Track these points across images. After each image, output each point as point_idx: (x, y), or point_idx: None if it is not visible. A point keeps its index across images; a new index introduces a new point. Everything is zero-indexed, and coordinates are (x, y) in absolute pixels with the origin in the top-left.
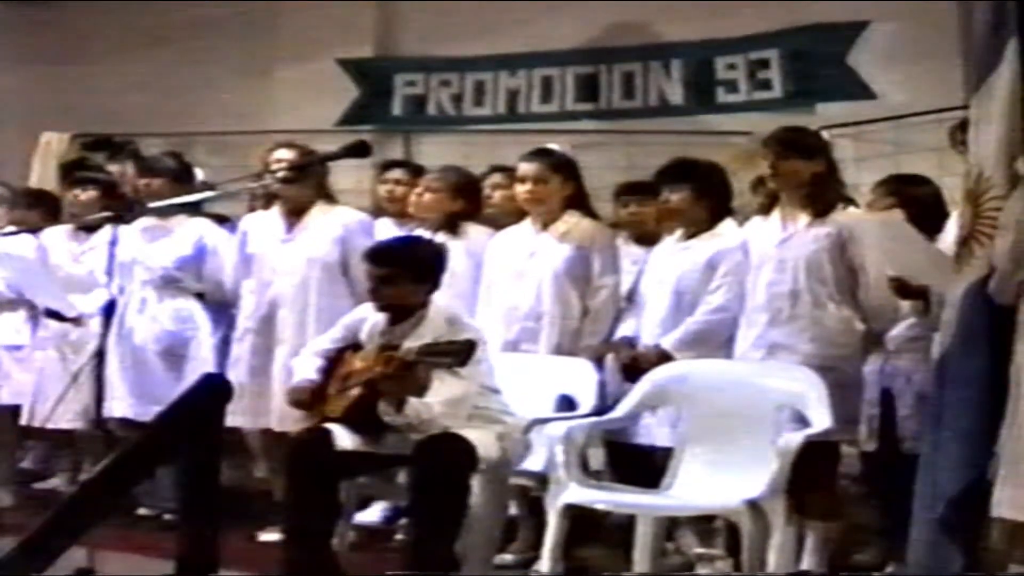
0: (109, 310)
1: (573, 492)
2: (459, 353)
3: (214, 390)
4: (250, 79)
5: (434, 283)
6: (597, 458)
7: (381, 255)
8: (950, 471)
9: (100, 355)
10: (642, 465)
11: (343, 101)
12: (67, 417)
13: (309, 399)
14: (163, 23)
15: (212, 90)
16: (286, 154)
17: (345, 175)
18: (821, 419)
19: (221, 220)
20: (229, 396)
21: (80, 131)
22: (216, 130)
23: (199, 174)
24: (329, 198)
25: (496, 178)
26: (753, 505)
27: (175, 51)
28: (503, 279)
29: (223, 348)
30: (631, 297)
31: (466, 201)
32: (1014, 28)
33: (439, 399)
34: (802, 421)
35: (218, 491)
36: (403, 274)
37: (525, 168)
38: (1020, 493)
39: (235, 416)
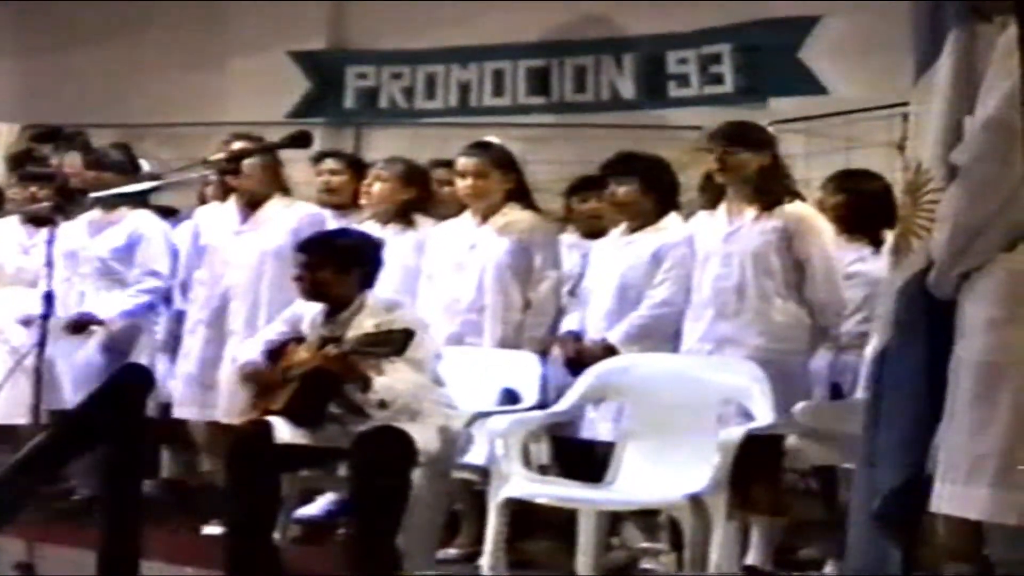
0: (48, 302)
1: (514, 486)
2: (395, 343)
3: (136, 380)
4: (202, 71)
5: (363, 274)
6: (543, 453)
7: (304, 243)
8: (887, 467)
9: (41, 346)
10: (589, 460)
11: (294, 93)
12: (9, 412)
13: (257, 374)
14: (114, 14)
15: (163, 82)
16: (239, 145)
17: (298, 169)
18: (764, 413)
19: (170, 212)
20: (151, 386)
21: (29, 122)
22: (167, 122)
23: (145, 166)
24: (286, 191)
25: (439, 173)
26: (695, 500)
27: (125, 43)
28: (443, 272)
29: (172, 341)
30: (574, 291)
31: (417, 190)
32: (954, 21)
33: (400, 380)
34: (748, 416)
35: (140, 481)
36: (324, 262)
37: (464, 163)
38: (959, 489)
39: (183, 408)
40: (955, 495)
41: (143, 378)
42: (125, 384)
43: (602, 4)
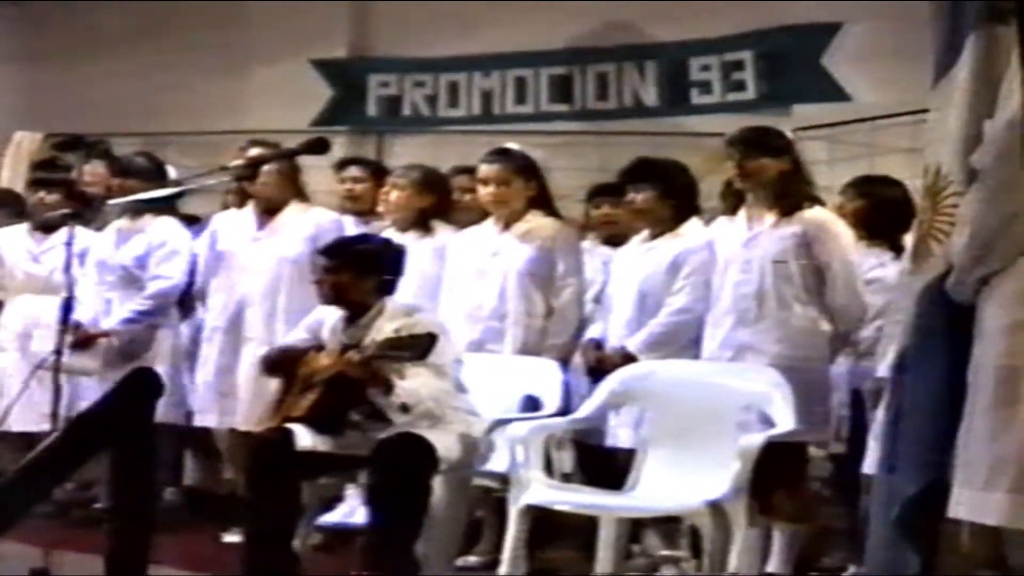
0: (67, 309)
1: (534, 492)
2: (418, 347)
3: (145, 385)
4: (224, 79)
5: (383, 280)
6: (567, 460)
7: (325, 248)
8: (907, 472)
9: (58, 354)
10: (612, 467)
11: (317, 101)
12: (30, 419)
13: (277, 360)
14: (136, 23)
15: (186, 90)
16: (259, 151)
17: (323, 177)
18: (785, 420)
19: (193, 220)
20: (160, 391)
21: (52, 131)
22: (190, 130)
23: (172, 172)
24: (303, 197)
25: (461, 180)
26: (715, 506)
27: (148, 51)
28: (466, 279)
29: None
30: (599, 299)
31: (435, 197)
32: (972, 24)
33: (422, 385)
34: (769, 422)
35: (150, 486)
36: (344, 267)
37: (486, 170)
38: (977, 494)
39: (203, 416)
40: (974, 500)
41: (152, 382)
42: (134, 388)
43: (624, 11)
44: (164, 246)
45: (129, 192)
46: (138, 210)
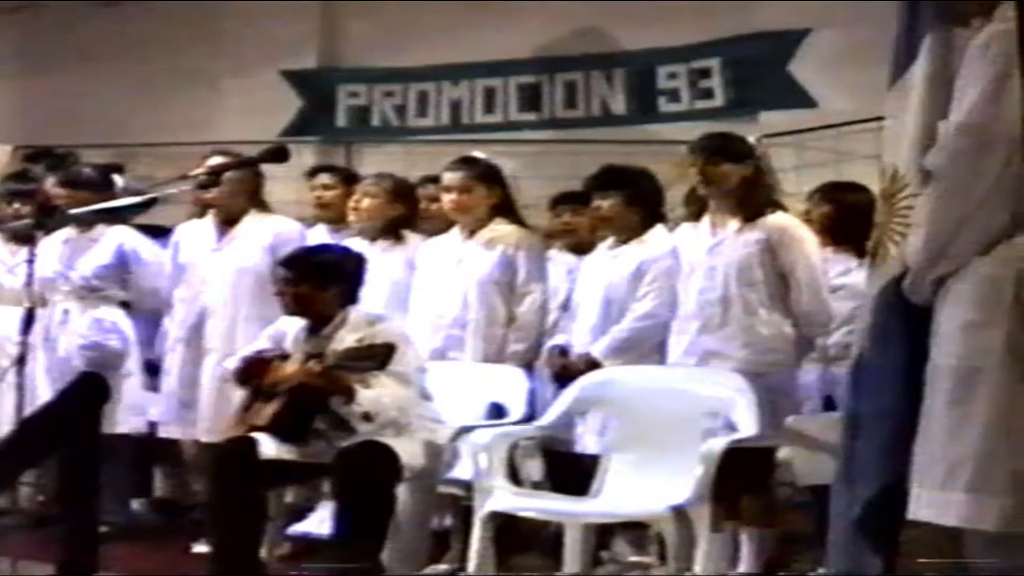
0: (28, 319)
1: (498, 499)
2: (377, 357)
3: (91, 390)
4: (195, 90)
5: (344, 289)
6: (536, 469)
7: (285, 259)
8: (866, 474)
9: (21, 362)
10: (579, 474)
11: (287, 112)
12: None
13: (247, 368)
14: (107, 34)
15: (157, 102)
16: (218, 160)
17: (287, 187)
18: (748, 425)
19: (160, 231)
20: (107, 396)
21: (23, 143)
22: (160, 141)
23: (119, 182)
24: (263, 207)
25: (428, 189)
26: (678, 511)
27: (119, 63)
28: (430, 287)
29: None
30: (566, 306)
31: (404, 206)
32: (930, 25)
33: (386, 394)
34: (735, 428)
35: (96, 491)
36: (305, 278)
37: (449, 178)
38: (935, 494)
39: (168, 427)
40: (932, 500)
41: (99, 387)
42: (81, 393)
43: (592, 20)
44: (138, 259)
45: (79, 203)
46: (90, 221)
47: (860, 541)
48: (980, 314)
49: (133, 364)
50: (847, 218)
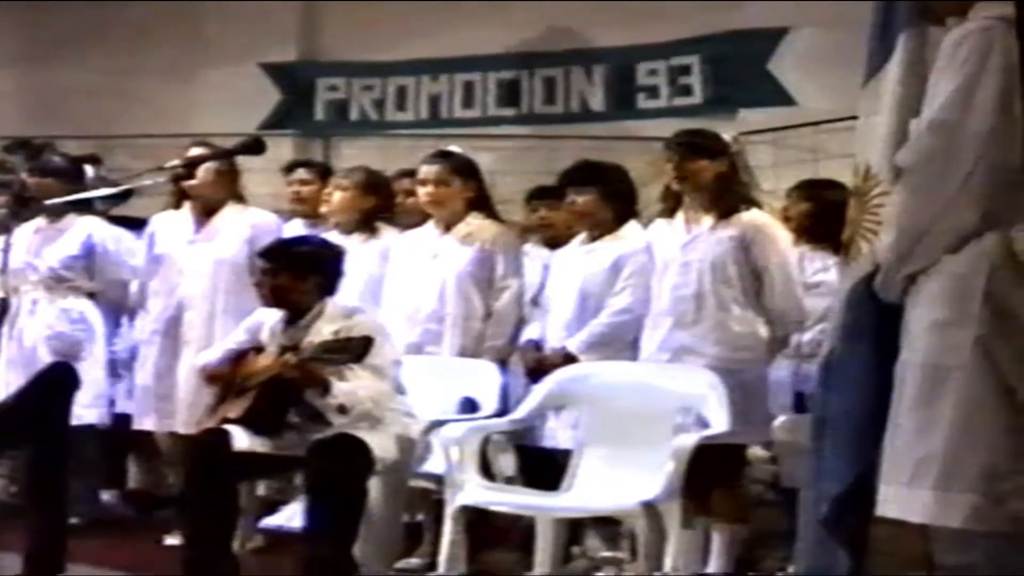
0: (2, 310)
1: (469, 493)
2: (354, 349)
3: (60, 380)
4: (174, 82)
5: (322, 281)
6: (509, 464)
7: (264, 250)
8: (834, 472)
9: None
10: (553, 470)
11: (266, 105)
12: None
13: (217, 374)
14: (86, 25)
15: (136, 93)
16: (197, 152)
17: (264, 180)
18: (719, 421)
19: (136, 222)
20: (76, 386)
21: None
22: (138, 133)
23: (89, 171)
24: (240, 199)
25: (404, 183)
26: (649, 507)
27: (98, 54)
28: (406, 281)
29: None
30: (537, 300)
31: (377, 198)
32: (904, 23)
33: (361, 386)
34: (707, 424)
35: (65, 482)
36: (283, 269)
37: (426, 171)
38: (903, 491)
39: (143, 419)
40: (899, 497)
41: (68, 377)
42: (49, 383)
43: (572, 16)
44: (105, 250)
45: (48, 192)
46: (58, 210)
47: (828, 539)
48: (949, 312)
49: (99, 354)
50: (825, 215)
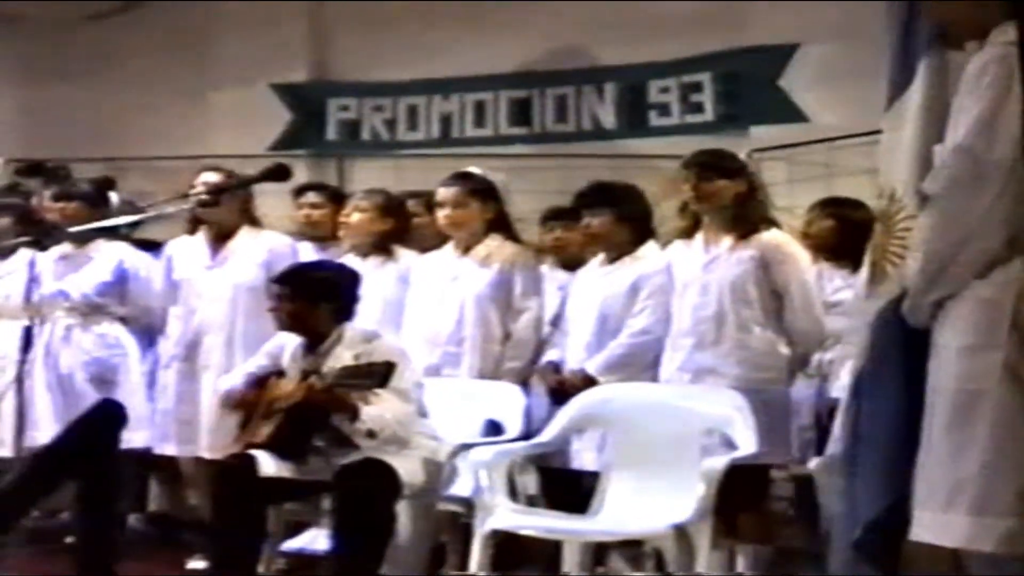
0: (27, 337)
1: (499, 517)
2: (377, 375)
3: (109, 416)
4: (184, 104)
5: (339, 306)
6: (531, 484)
7: (279, 275)
8: (867, 495)
9: (19, 382)
10: (576, 491)
11: (277, 126)
12: None
13: (240, 400)
14: (97, 48)
15: (147, 115)
16: (211, 177)
17: (279, 202)
18: (747, 443)
19: (153, 245)
20: (124, 422)
21: (13, 156)
22: (150, 155)
23: (114, 198)
24: (254, 223)
25: (411, 204)
26: (679, 529)
27: (109, 76)
28: (426, 304)
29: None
30: (556, 322)
31: (395, 221)
32: (925, 48)
33: (387, 409)
34: (732, 445)
35: (114, 515)
36: (299, 294)
37: (444, 193)
38: (937, 516)
39: (164, 444)
40: (934, 523)
41: (117, 413)
42: (99, 419)
43: (583, 35)
44: (136, 276)
45: (72, 217)
46: (85, 236)
47: (860, 562)
48: (979, 337)
49: (136, 378)
50: (849, 234)
